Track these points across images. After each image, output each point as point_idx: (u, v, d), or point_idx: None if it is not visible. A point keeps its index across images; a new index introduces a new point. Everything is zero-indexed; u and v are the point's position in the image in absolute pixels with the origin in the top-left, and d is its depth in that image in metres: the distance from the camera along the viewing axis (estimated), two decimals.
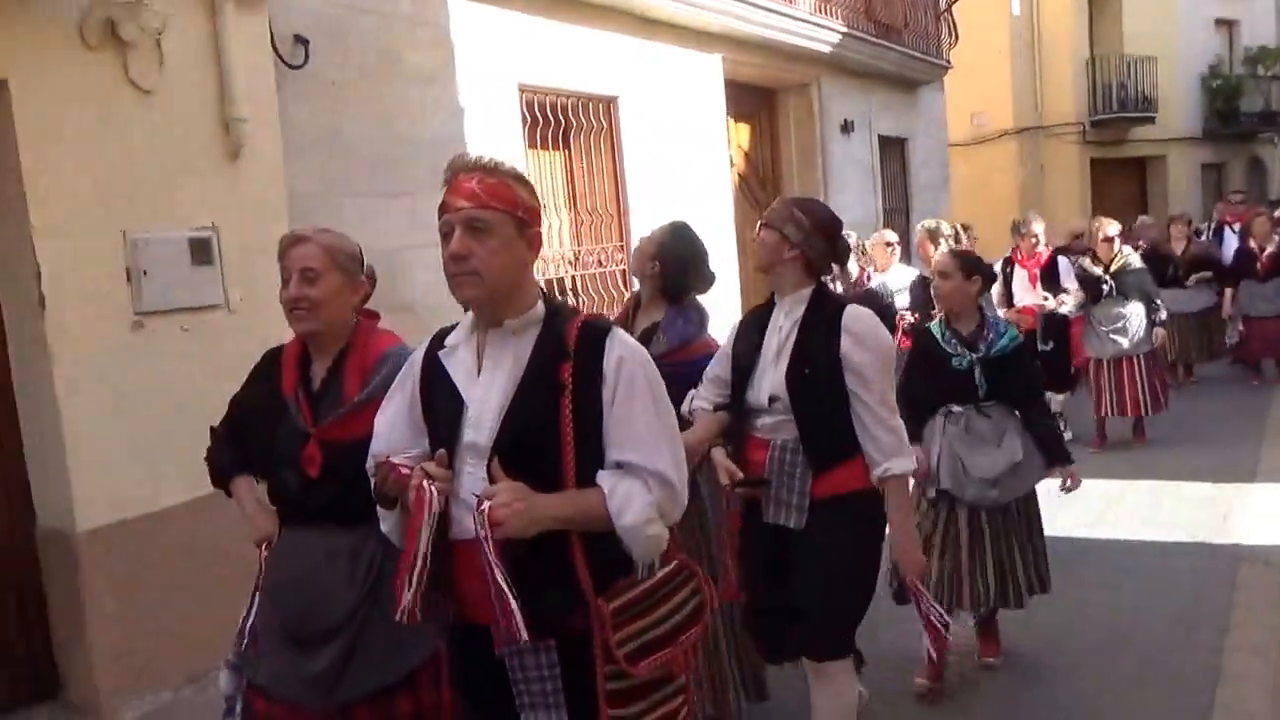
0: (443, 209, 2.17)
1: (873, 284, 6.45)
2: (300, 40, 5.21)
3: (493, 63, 6.50)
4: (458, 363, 2.22)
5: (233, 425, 2.89)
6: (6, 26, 3.89)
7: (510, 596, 1.99)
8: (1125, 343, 7.96)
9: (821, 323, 3.10)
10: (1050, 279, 7.73)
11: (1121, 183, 20.22)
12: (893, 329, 6.24)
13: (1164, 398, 8.16)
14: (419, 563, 2.03)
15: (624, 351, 2.14)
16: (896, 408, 3.12)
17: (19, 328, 4.12)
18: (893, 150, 12.59)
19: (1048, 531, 4.58)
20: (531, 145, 7.01)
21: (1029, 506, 4.31)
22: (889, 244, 7.54)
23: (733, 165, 9.62)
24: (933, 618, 3.43)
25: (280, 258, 2.70)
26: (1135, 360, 8.00)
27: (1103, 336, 8.06)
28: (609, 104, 7.65)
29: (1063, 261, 7.98)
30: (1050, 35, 19.08)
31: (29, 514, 4.17)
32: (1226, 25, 23.04)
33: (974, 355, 4.15)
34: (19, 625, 4.18)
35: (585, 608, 2.09)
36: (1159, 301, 8.13)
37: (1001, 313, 7.20)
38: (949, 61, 13.41)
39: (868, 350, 3.04)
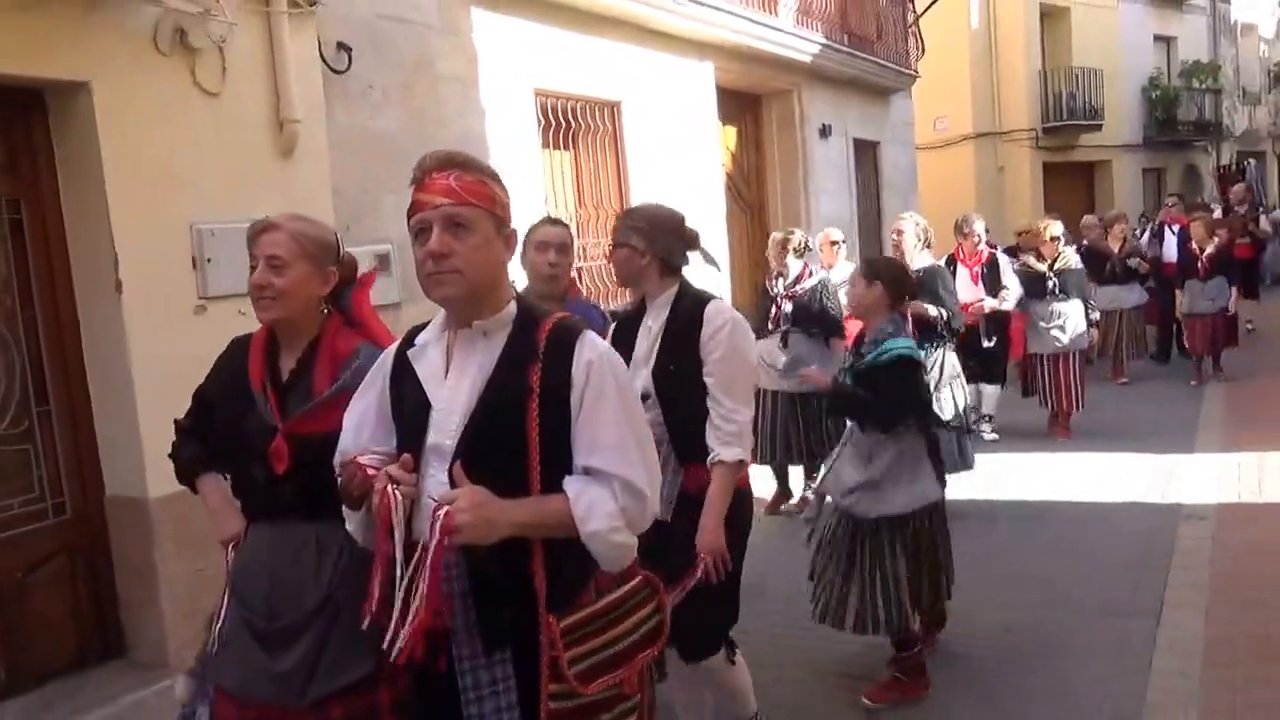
0: (415, 207, 1.99)
1: (813, 281, 6.24)
2: (343, 47, 5.33)
3: (512, 69, 6.63)
4: (426, 363, 2.06)
5: (197, 419, 2.68)
6: (89, 35, 4.01)
7: (467, 606, 1.87)
8: (1065, 339, 8.01)
9: (685, 319, 3.05)
10: (991, 276, 7.66)
11: (1071, 185, 20.47)
12: (837, 328, 6.16)
13: (1083, 396, 8.20)
14: (392, 568, 1.89)
15: (594, 355, 1.98)
16: (748, 401, 3.04)
17: (92, 310, 4.23)
18: (866, 153, 12.74)
19: (1007, 495, 4.97)
20: (544, 145, 7.14)
21: (908, 536, 3.83)
22: (834, 242, 7.41)
23: (721, 166, 9.78)
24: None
25: (249, 244, 2.51)
26: (1070, 358, 8.06)
27: (1043, 333, 8.10)
28: (614, 107, 7.79)
29: (1003, 259, 7.95)
30: (1006, 48, 19.27)
31: (98, 483, 4.26)
32: (1165, 41, 23.31)
33: (850, 366, 3.93)
34: (89, 588, 4.28)
35: (538, 622, 1.93)
36: (1093, 302, 8.29)
37: None
38: (917, 71, 13.58)
39: (723, 343, 2.99)
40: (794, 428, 6.21)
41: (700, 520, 2.96)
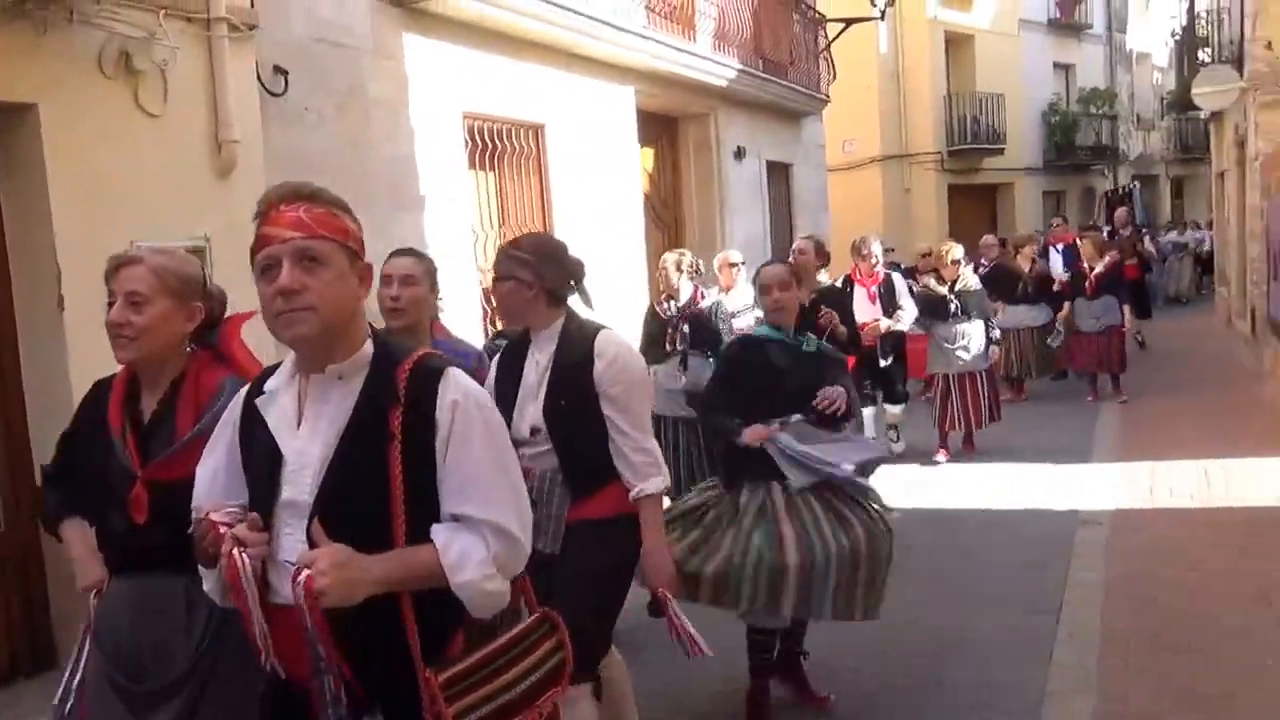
0: (261, 242, 1.87)
1: (707, 303, 6.14)
2: (280, 70, 5.53)
3: (441, 92, 6.88)
4: (277, 411, 1.93)
5: (63, 464, 2.59)
6: (36, 57, 4.18)
7: (333, 670, 1.80)
8: (968, 358, 8.20)
9: (575, 352, 3.02)
10: (888, 297, 7.71)
11: (975, 207, 21.42)
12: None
13: (999, 409, 8.51)
14: (255, 626, 1.83)
15: (459, 394, 1.89)
16: (651, 430, 3.09)
17: (33, 326, 4.36)
18: (779, 174, 13.24)
19: (920, 504, 5.38)
20: (471, 166, 7.40)
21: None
22: (734, 264, 7.28)
23: (640, 186, 10.14)
24: (681, 631, 3.09)
25: (107, 279, 2.40)
26: (978, 375, 8.28)
27: (948, 353, 8.28)
28: (538, 130, 8.06)
29: (899, 281, 8.03)
30: (912, 73, 20.10)
31: (31, 497, 4.34)
32: (1064, 68, 24.58)
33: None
34: (21, 599, 4.38)
35: (415, 678, 1.85)
36: (994, 321, 8.55)
37: None
38: (828, 95, 14.18)
39: (620, 374, 2.98)
40: (696, 455, 5.95)
41: (643, 558, 3.03)
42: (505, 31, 7.39)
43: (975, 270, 11.09)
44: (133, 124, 4.54)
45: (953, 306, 8.21)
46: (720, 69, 10.65)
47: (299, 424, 1.91)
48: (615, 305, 6.59)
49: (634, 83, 9.36)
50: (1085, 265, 10.49)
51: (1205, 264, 21.04)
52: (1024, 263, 10.89)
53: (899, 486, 6.94)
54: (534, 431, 3.03)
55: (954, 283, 8.31)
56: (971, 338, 8.22)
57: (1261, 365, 10.73)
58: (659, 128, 10.83)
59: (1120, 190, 22.04)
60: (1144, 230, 16.61)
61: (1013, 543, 6.09)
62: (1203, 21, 15.67)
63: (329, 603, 1.73)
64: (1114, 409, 10.02)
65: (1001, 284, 10.36)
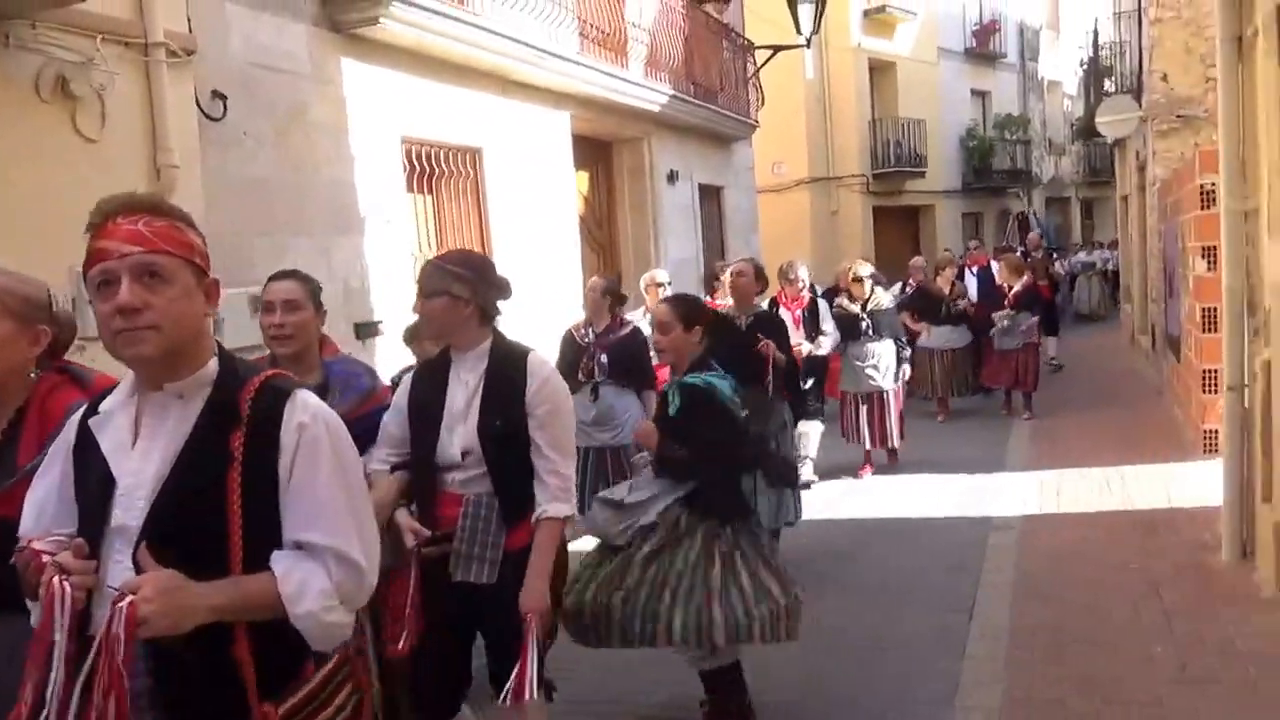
0: (95, 256, 1.75)
1: (627, 330, 6.05)
2: (218, 95, 5.56)
3: (381, 116, 6.96)
4: (111, 432, 1.81)
5: None
6: None
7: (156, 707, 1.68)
8: (879, 378, 8.22)
9: (508, 372, 2.95)
10: (811, 321, 7.69)
11: (898, 228, 21.94)
12: (649, 380, 6.01)
13: (902, 429, 8.53)
14: (49, 672, 1.65)
15: (306, 416, 1.80)
16: (572, 454, 3.02)
17: None
18: (710, 197, 13.48)
19: (843, 515, 5.63)
20: (410, 190, 7.48)
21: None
22: (659, 284, 7.35)
23: (575, 208, 10.28)
24: (524, 668, 2.85)
25: None
26: (885, 395, 8.28)
27: (858, 372, 8.26)
28: (476, 154, 8.17)
29: (823, 305, 8.00)
30: (838, 98, 20.56)
31: None
32: (980, 95, 25.32)
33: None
34: None
35: (250, 713, 1.73)
36: (904, 340, 8.55)
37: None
38: (757, 120, 14.48)
39: (550, 396, 2.95)
40: (604, 485, 5.67)
41: (525, 579, 2.88)
42: (443, 57, 7.49)
43: (904, 290, 11.51)
44: (70, 148, 4.55)
45: (863, 325, 8.19)
46: (652, 95, 10.86)
47: (134, 445, 1.80)
48: (551, 327, 6.71)
49: (569, 108, 9.51)
50: (1003, 285, 10.75)
51: (1113, 282, 21.85)
52: (944, 284, 11.01)
53: (825, 499, 7.16)
54: (465, 454, 2.92)
55: (865, 302, 8.29)
56: (881, 357, 8.24)
57: (1161, 378, 11.20)
58: (594, 152, 10.99)
59: (1024, 214, 22.79)
60: (1054, 252, 17.20)
61: (931, 548, 6.35)
62: (1106, 54, 16.34)
63: (152, 632, 1.61)
64: (1026, 423, 10.34)
65: (926, 305, 10.63)
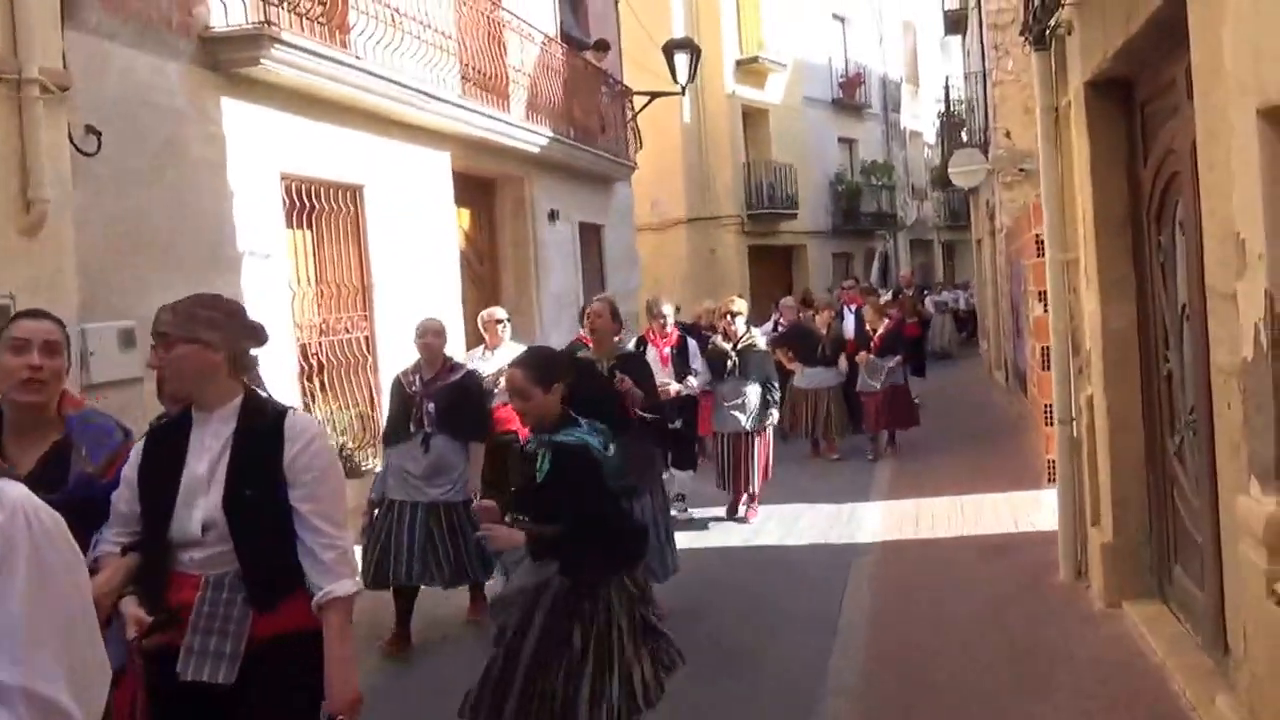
0: None
1: (457, 376, 5.60)
2: (93, 130, 5.50)
3: (260, 153, 6.96)
4: None
5: None
6: None
7: None
8: (743, 419, 7.88)
9: (261, 433, 2.55)
10: (680, 359, 7.45)
11: (772, 267, 22.63)
12: (479, 431, 5.61)
13: (767, 472, 8.19)
14: None
15: (1, 514, 1.39)
16: (345, 523, 2.62)
17: None
18: (591, 235, 13.73)
19: (715, 543, 5.84)
20: (289, 225, 7.47)
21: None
22: (498, 320, 7.04)
23: (457, 245, 10.38)
24: None
25: None
26: (749, 438, 7.92)
27: (724, 412, 7.96)
28: (357, 191, 8.22)
29: (692, 344, 7.77)
30: (714, 142, 21.17)
31: None
32: (848, 142, 26.43)
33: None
34: None
35: None
36: (774, 383, 8.12)
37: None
38: (636, 162, 14.84)
39: (314, 460, 2.55)
40: (437, 542, 5.37)
41: (327, 674, 2.50)
42: (324, 97, 7.54)
43: (775, 329, 11.66)
44: None
45: (729, 364, 7.89)
46: (533, 136, 11.06)
47: None
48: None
49: (450, 148, 9.64)
50: (868, 327, 10.88)
51: (962, 321, 23.11)
52: (822, 325, 11.02)
53: (695, 531, 7.43)
54: (206, 530, 2.49)
55: (738, 341, 8.03)
56: (748, 398, 7.89)
57: (1014, 412, 11.87)
58: (476, 190, 11.12)
59: (886, 253, 23.73)
60: (924, 290, 18.04)
61: (798, 571, 6.67)
62: (960, 109, 17.36)
63: None
64: (889, 459, 10.63)
65: (802, 345, 10.61)
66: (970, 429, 12.13)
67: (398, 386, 5.69)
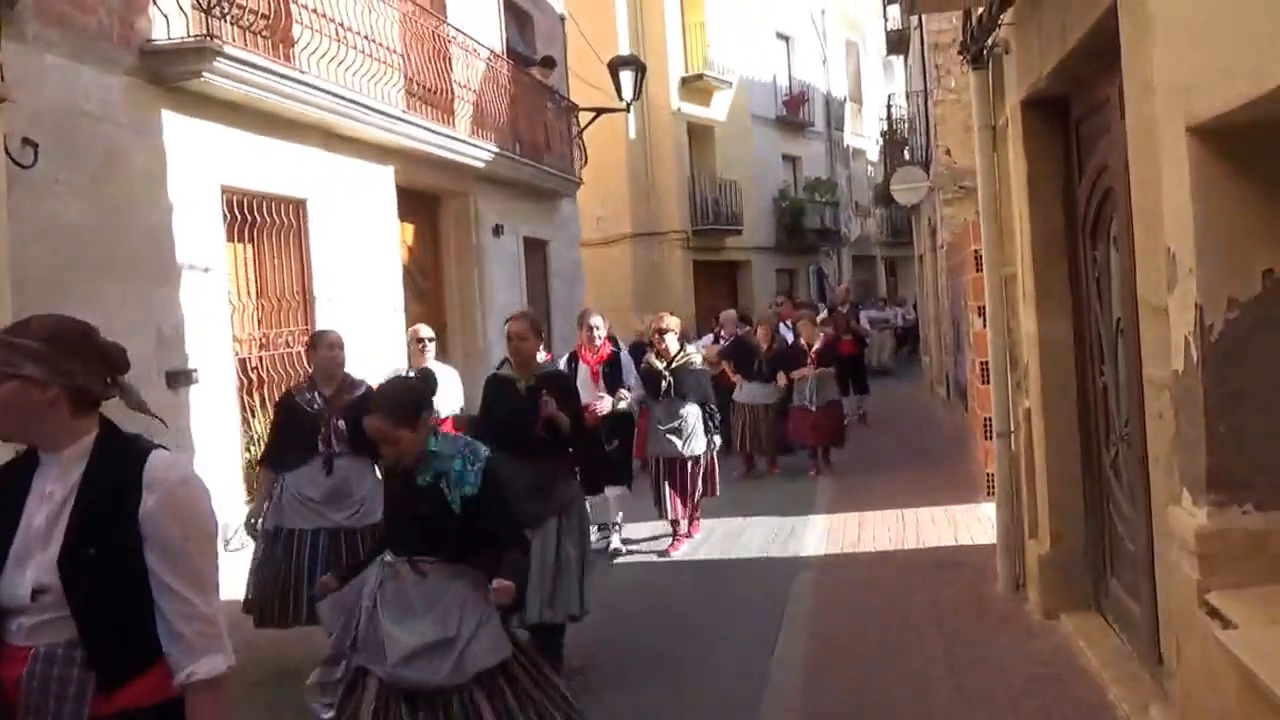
0: None
1: (361, 391, 5.16)
2: (29, 142, 5.41)
3: (200, 166, 6.88)
4: None
5: None
6: None
7: None
8: (679, 443, 7.36)
9: (114, 478, 2.13)
10: (613, 375, 7.19)
11: (718, 282, 22.78)
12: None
13: (713, 489, 7.78)
14: None
15: None
16: (214, 588, 2.22)
17: None
18: (536, 250, 13.73)
19: (666, 557, 5.87)
20: (230, 239, 7.38)
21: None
22: (422, 340, 6.78)
23: (400, 259, 10.32)
24: None
25: None
26: (686, 463, 7.43)
27: (659, 435, 7.44)
28: (299, 205, 8.15)
29: (626, 358, 7.50)
30: (659, 157, 21.30)
31: None
32: (792, 160, 26.76)
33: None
34: None
35: None
36: (714, 407, 7.56)
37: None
38: (581, 178, 14.89)
39: (177, 512, 2.14)
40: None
41: None
42: (267, 111, 7.48)
43: (716, 341, 11.76)
44: None
45: (665, 384, 7.33)
46: (478, 151, 11.05)
47: None
48: (374, 374, 6.64)
49: (394, 162, 9.59)
50: (804, 343, 10.80)
51: (902, 336, 23.48)
52: (762, 339, 10.89)
53: (646, 543, 7.43)
54: (39, 593, 2.08)
55: (672, 359, 7.42)
56: (685, 419, 7.37)
57: (955, 426, 12.08)
58: (420, 204, 11.06)
59: (821, 269, 23.85)
60: (858, 307, 18.24)
61: (741, 584, 6.73)
62: (902, 128, 17.69)
63: None
64: (831, 475, 10.63)
65: (741, 359, 10.64)
66: (913, 443, 12.29)
67: (290, 405, 5.20)
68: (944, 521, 7.92)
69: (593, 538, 6.02)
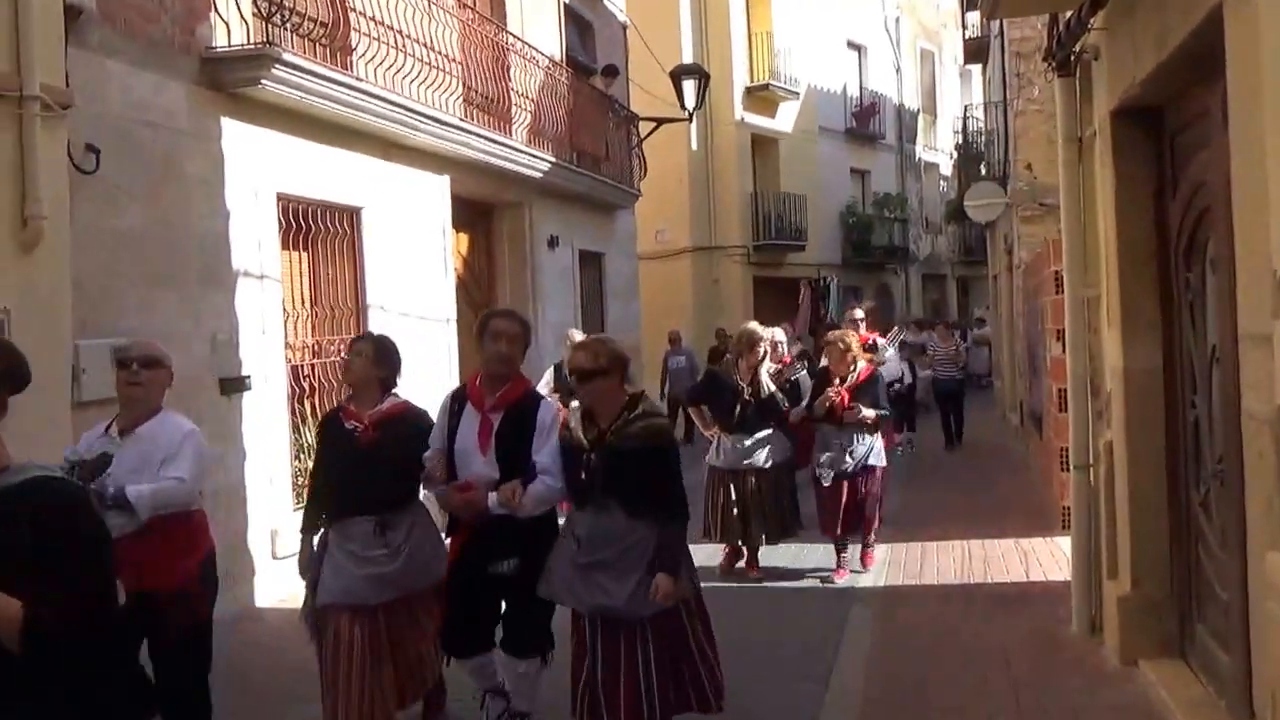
0: None
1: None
2: (92, 149, 5.60)
3: (257, 173, 7.05)
4: None
5: None
6: None
7: None
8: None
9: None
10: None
11: (779, 298, 22.70)
12: None
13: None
14: None
15: None
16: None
17: None
18: (591, 262, 13.83)
19: (705, 580, 5.81)
20: (285, 247, 7.55)
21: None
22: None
23: (454, 269, 10.46)
24: None
25: None
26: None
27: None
28: (355, 213, 8.31)
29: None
30: (721, 171, 21.35)
31: None
32: (860, 174, 26.65)
33: None
34: None
35: None
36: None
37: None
38: (639, 190, 14.97)
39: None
40: None
41: None
42: (324, 119, 7.64)
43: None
44: None
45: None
46: (534, 161, 11.17)
47: None
48: (427, 386, 6.80)
49: (450, 171, 9.73)
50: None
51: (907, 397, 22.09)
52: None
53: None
54: None
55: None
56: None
57: (1028, 455, 11.88)
58: (475, 214, 11.21)
59: (821, 282, 22.70)
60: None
61: (792, 619, 6.61)
62: (979, 141, 17.50)
63: None
64: (893, 497, 10.64)
65: (717, 401, 9.36)
66: (981, 471, 12.10)
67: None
68: (1014, 555, 7.79)
69: None
